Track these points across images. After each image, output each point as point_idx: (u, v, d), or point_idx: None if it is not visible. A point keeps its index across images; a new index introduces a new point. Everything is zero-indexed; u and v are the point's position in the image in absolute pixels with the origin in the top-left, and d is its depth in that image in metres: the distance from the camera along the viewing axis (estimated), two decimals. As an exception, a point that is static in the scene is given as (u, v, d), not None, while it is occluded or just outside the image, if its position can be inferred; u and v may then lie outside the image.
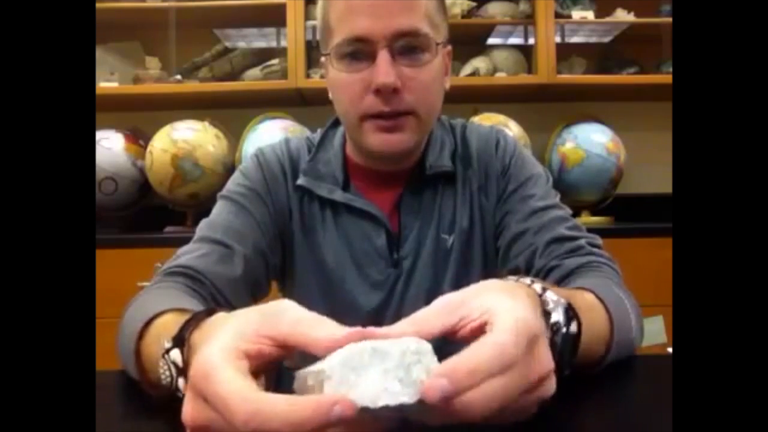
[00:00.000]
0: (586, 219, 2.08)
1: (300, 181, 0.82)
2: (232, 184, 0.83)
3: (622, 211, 2.15)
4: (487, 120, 2.02)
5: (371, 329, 0.36)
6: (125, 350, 0.54)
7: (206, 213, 0.81)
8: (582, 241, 0.76)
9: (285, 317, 0.36)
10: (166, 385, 0.43)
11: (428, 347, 0.34)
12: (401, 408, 0.32)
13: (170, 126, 2.01)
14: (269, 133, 1.98)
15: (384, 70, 0.69)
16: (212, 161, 1.97)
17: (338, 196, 0.81)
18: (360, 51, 0.71)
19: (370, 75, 0.71)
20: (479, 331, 0.37)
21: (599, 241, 0.78)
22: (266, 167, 0.83)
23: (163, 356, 0.43)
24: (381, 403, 0.31)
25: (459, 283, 0.68)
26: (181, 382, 0.41)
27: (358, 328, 0.35)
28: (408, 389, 0.32)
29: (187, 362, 0.41)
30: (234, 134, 2.10)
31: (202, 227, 0.78)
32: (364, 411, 0.31)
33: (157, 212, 2.10)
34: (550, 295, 0.45)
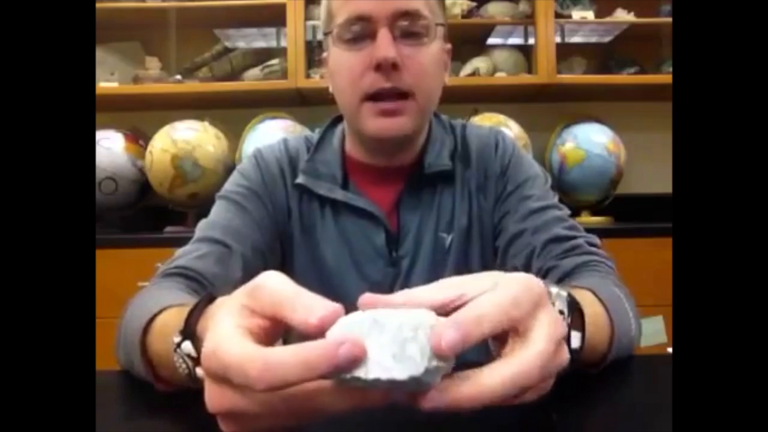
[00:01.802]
0: (586, 219, 2.08)
1: (299, 179, 0.82)
2: (231, 184, 0.83)
3: (622, 211, 2.15)
4: (487, 120, 2.02)
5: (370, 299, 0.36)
6: (129, 348, 0.54)
7: (206, 213, 0.81)
8: (580, 240, 0.76)
9: (265, 295, 0.35)
10: (185, 377, 0.44)
11: (429, 321, 0.33)
12: (393, 383, 0.32)
13: (170, 126, 2.01)
14: (269, 133, 1.98)
15: (384, 45, 0.71)
16: (212, 161, 1.97)
17: (338, 194, 0.81)
18: (361, 31, 0.73)
19: (371, 53, 0.72)
20: None
21: (597, 240, 0.78)
22: (264, 167, 0.83)
23: (175, 350, 0.43)
24: (372, 376, 0.32)
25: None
26: (198, 371, 0.42)
27: (337, 307, 0.34)
28: (400, 365, 0.32)
29: (200, 351, 0.41)
30: (234, 134, 2.10)
31: (201, 227, 0.78)
32: (356, 381, 0.32)
33: (157, 212, 2.10)
34: (553, 288, 0.45)
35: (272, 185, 0.82)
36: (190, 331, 0.43)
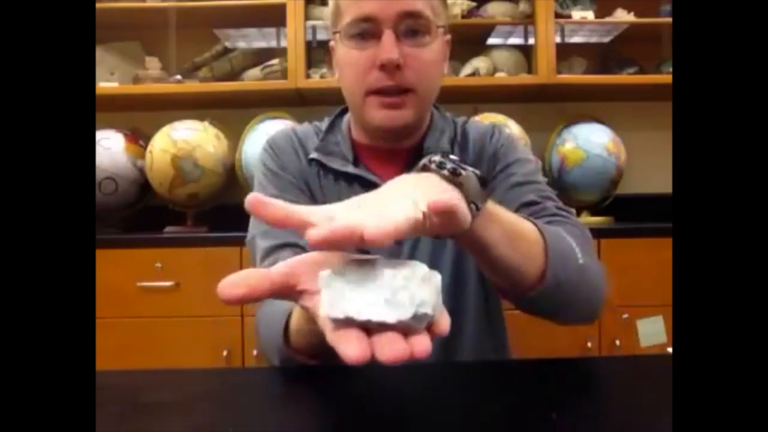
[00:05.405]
0: (586, 219, 2.08)
1: (313, 155, 0.87)
2: (261, 178, 0.88)
3: (622, 211, 2.15)
4: (486, 120, 2.02)
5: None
6: (272, 345, 0.64)
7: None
8: (548, 204, 0.80)
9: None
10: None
11: (422, 272, 0.38)
12: (382, 326, 0.36)
13: (170, 126, 2.00)
14: (269, 134, 1.97)
15: (388, 47, 0.76)
16: (212, 161, 1.97)
17: (351, 169, 0.86)
18: (367, 30, 0.78)
19: (376, 52, 0.77)
20: None
21: (572, 210, 0.82)
22: (280, 151, 0.89)
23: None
24: (363, 317, 0.36)
25: (458, 259, 0.85)
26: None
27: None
28: (391, 311, 0.36)
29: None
30: (234, 134, 2.10)
31: (260, 237, 0.81)
32: (348, 320, 0.36)
33: (157, 212, 2.09)
34: (435, 158, 0.51)
35: (291, 165, 0.88)
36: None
